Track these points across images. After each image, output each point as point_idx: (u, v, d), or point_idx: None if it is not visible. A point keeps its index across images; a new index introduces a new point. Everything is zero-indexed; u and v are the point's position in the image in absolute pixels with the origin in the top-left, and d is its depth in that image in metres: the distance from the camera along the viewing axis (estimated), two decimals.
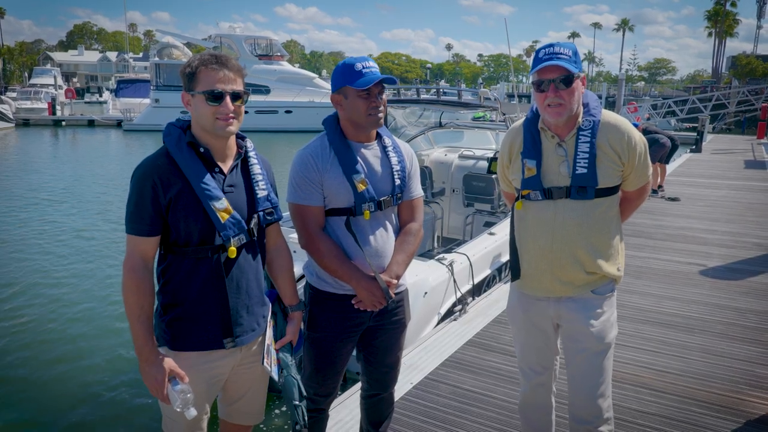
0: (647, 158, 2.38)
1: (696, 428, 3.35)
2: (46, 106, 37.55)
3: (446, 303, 5.02)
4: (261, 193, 2.19)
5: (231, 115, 2.03)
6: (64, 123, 36.30)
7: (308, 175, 2.36)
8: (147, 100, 36.03)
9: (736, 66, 67.11)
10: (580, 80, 2.23)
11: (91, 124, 36.70)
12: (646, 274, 6.15)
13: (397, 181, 2.46)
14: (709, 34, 74.58)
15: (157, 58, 35.55)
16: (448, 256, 5.24)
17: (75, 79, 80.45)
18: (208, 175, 2.05)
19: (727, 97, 33.18)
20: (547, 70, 2.20)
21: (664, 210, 9.50)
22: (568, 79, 2.19)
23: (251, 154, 2.22)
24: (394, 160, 2.47)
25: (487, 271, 5.81)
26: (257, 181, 2.20)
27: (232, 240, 2.08)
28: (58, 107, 37.71)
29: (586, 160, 2.26)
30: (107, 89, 58.23)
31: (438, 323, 4.89)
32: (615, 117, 2.35)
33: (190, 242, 2.06)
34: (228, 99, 2.02)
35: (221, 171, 2.11)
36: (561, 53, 2.19)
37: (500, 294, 5.48)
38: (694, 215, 9.18)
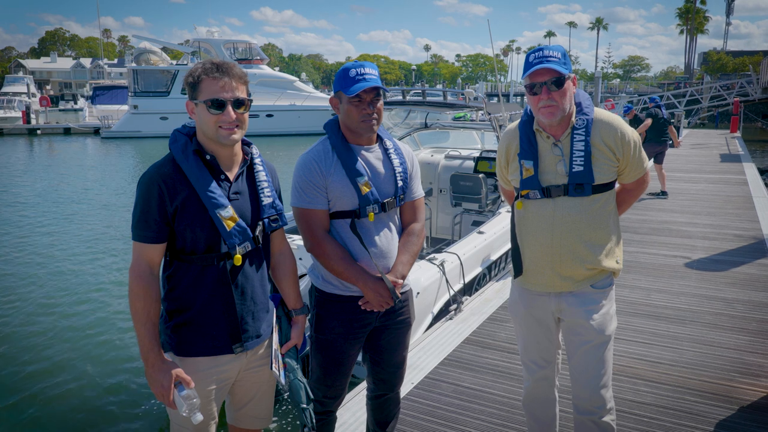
0: (641, 151, 2.45)
1: (690, 416, 3.43)
2: (20, 114, 36.79)
3: (439, 302, 5.07)
4: (266, 200, 2.21)
5: (234, 123, 2.04)
6: (39, 131, 35.64)
7: (312, 179, 2.39)
8: (125, 107, 35.59)
9: (707, 62, 68.42)
10: (570, 81, 2.30)
11: (67, 132, 36.09)
12: (634, 267, 6.27)
13: (400, 183, 2.50)
14: (681, 32, 75.92)
15: (134, 64, 35.05)
16: (439, 256, 5.29)
17: (48, 87, 78.95)
18: (214, 183, 2.06)
19: (700, 93, 33.79)
20: (539, 74, 2.27)
21: (648, 205, 9.67)
22: (559, 81, 2.27)
23: (257, 160, 2.24)
24: (395, 162, 2.50)
25: (478, 270, 5.87)
26: (262, 188, 2.21)
27: (237, 248, 2.09)
28: (32, 115, 36.99)
29: (582, 158, 2.33)
30: (82, 96, 57.28)
31: (431, 322, 4.94)
32: (607, 114, 2.42)
33: (196, 250, 2.07)
34: (230, 107, 2.03)
35: (227, 178, 2.12)
36: (551, 56, 2.26)
37: (493, 292, 5.55)
38: (676, 209, 9.36)
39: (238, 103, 2.05)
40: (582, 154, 2.33)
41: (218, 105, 2.01)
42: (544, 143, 2.41)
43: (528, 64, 2.30)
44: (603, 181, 2.37)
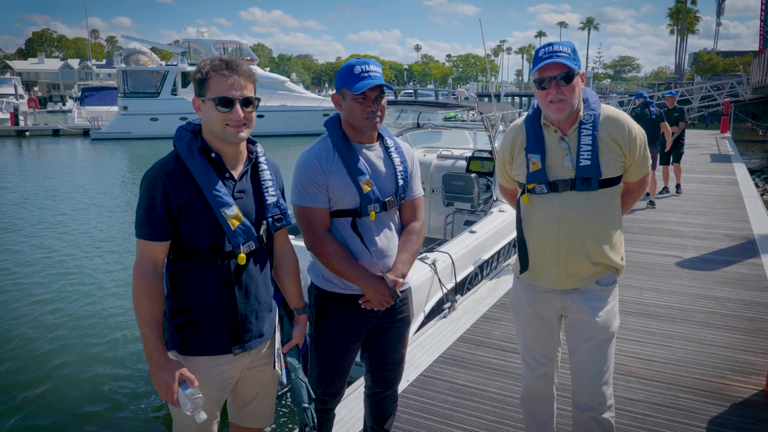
0: (647, 149, 2.47)
1: (683, 413, 3.47)
2: (8, 116, 36.44)
3: (431, 301, 5.08)
4: (270, 199, 2.21)
5: (241, 121, 2.04)
6: (28, 133, 35.34)
7: (313, 177, 2.38)
8: (114, 108, 35.30)
9: (697, 62, 68.92)
10: (579, 77, 2.31)
11: (56, 133, 35.78)
12: (626, 266, 6.24)
13: (401, 182, 2.50)
14: (671, 32, 76.44)
15: (123, 65, 34.79)
16: (431, 255, 5.29)
17: (36, 88, 78.38)
18: (219, 182, 2.06)
19: (690, 93, 34.00)
20: (548, 68, 2.28)
21: (638, 203, 9.72)
22: (568, 76, 2.27)
23: (261, 159, 2.24)
24: (396, 160, 2.51)
25: (470, 269, 5.88)
26: (267, 187, 2.21)
27: (241, 247, 2.09)
28: (20, 117, 36.64)
29: (589, 152, 2.34)
30: (71, 97, 56.90)
31: (424, 321, 4.95)
32: (614, 110, 2.43)
33: (200, 248, 2.06)
34: (238, 106, 2.02)
35: (232, 177, 2.11)
36: (560, 51, 2.27)
37: (486, 291, 5.57)
38: (667, 209, 9.43)
39: (247, 102, 2.05)
40: (589, 148, 2.34)
41: (226, 103, 2.00)
42: (551, 137, 2.41)
43: (537, 59, 2.31)
44: (610, 175, 2.38)
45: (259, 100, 2.11)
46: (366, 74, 2.33)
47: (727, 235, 7.74)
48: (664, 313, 5.04)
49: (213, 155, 2.08)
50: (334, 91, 2.47)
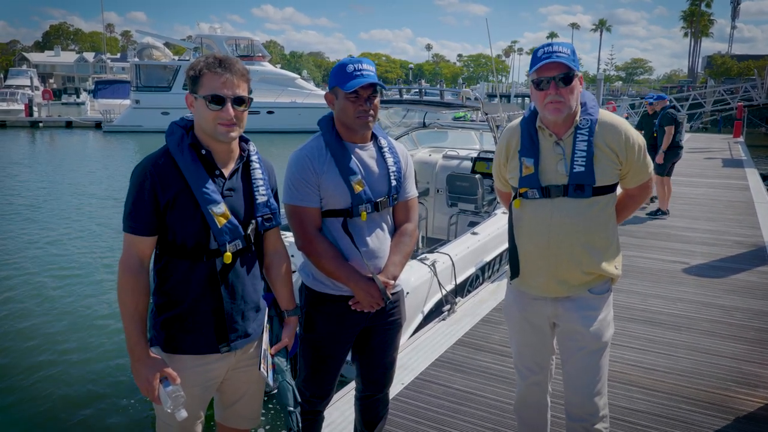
0: (646, 156, 2.40)
1: (685, 425, 3.38)
2: (22, 107, 36.91)
3: (429, 302, 5.01)
4: (260, 199, 2.18)
5: (232, 120, 2.01)
6: (41, 124, 35.70)
7: (305, 176, 2.35)
8: (127, 101, 35.61)
9: (711, 66, 68.35)
10: (578, 79, 2.25)
11: (69, 125, 36.15)
12: (631, 272, 6.19)
13: (393, 182, 2.46)
14: (685, 35, 75.85)
15: (136, 59, 35.07)
16: (431, 256, 5.23)
17: (51, 80, 79.14)
18: (209, 179, 2.03)
19: (703, 97, 33.61)
20: (547, 68, 2.21)
21: (646, 208, 9.57)
22: (567, 77, 2.20)
23: (254, 158, 2.21)
24: (390, 161, 2.47)
25: (471, 270, 5.81)
26: (257, 186, 2.18)
27: (227, 246, 2.06)
28: (35, 108, 37.06)
29: (584, 159, 2.27)
30: (85, 90, 57.38)
31: (422, 322, 4.88)
32: (612, 117, 2.36)
33: (186, 245, 2.04)
34: (229, 105, 2.00)
35: (222, 174, 2.09)
36: (560, 52, 2.21)
37: (487, 294, 5.49)
38: (675, 214, 9.27)
39: (239, 101, 2.03)
40: (584, 154, 2.27)
41: (218, 101, 1.99)
42: (546, 141, 2.35)
43: (536, 59, 2.24)
44: (604, 183, 2.31)
45: (251, 99, 2.09)
46: (359, 73, 2.29)
47: (737, 242, 7.59)
48: (668, 321, 4.93)
49: (203, 152, 2.06)
50: (328, 91, 2.43)
